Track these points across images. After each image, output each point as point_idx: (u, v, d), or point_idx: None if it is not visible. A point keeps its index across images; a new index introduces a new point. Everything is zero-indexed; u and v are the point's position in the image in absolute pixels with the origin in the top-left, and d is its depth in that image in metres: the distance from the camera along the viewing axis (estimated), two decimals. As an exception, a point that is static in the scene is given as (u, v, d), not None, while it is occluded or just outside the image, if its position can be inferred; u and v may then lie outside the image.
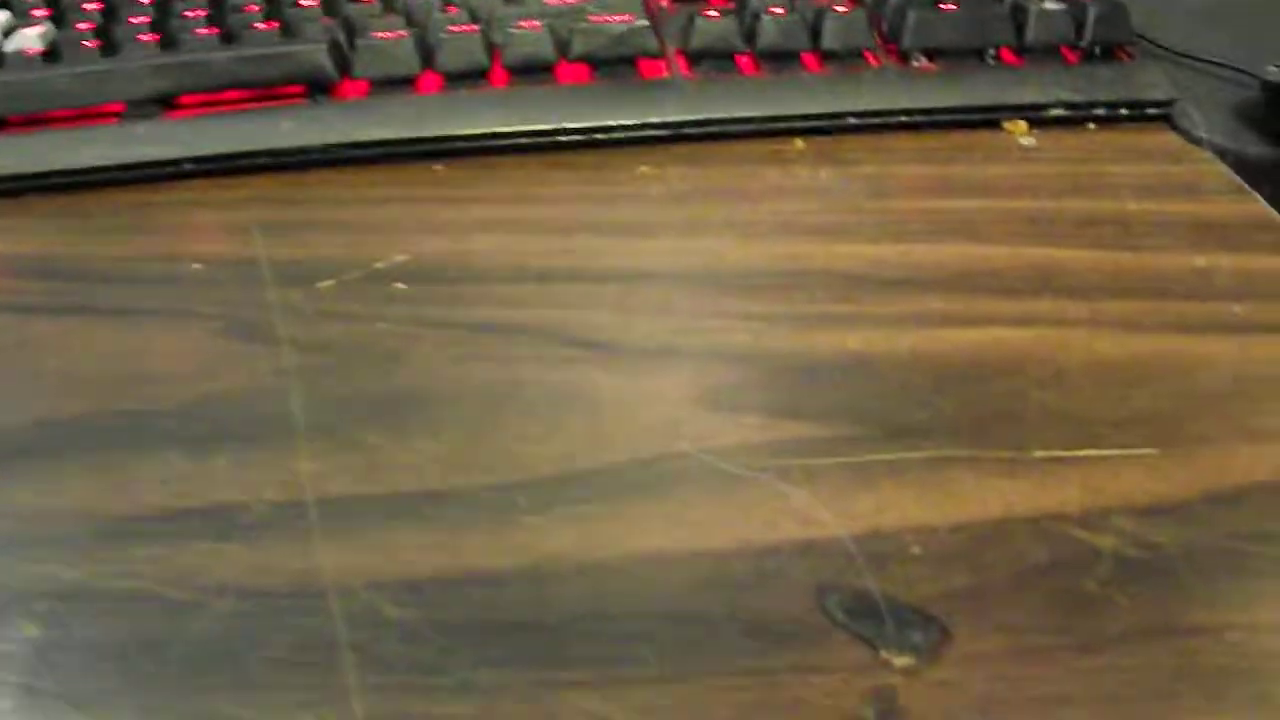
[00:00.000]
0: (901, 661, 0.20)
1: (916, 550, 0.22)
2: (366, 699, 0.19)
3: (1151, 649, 0.20)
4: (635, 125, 0.36)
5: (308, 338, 0.28)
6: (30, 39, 0.40)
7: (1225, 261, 0.31)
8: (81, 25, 0.39)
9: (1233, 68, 0.41)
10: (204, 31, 0.38)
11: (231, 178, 0.35)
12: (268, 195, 0.35)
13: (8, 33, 0.40)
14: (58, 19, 0.40)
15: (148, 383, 0.27)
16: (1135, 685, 0.19)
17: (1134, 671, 0.20)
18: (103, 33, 0.39)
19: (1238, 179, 0.36)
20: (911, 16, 0.38)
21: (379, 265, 0.31)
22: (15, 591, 0.21)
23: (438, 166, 0.35)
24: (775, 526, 0.22)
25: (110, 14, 0.40)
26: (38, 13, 0.41)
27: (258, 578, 0.21)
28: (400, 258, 0.31)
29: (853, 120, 0.37)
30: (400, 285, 0.30)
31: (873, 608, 0.20)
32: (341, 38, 0.38)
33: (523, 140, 0.36)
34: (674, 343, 0.27)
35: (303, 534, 0.22)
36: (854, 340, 0.27)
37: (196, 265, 0.31)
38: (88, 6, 0.41)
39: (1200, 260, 0.31)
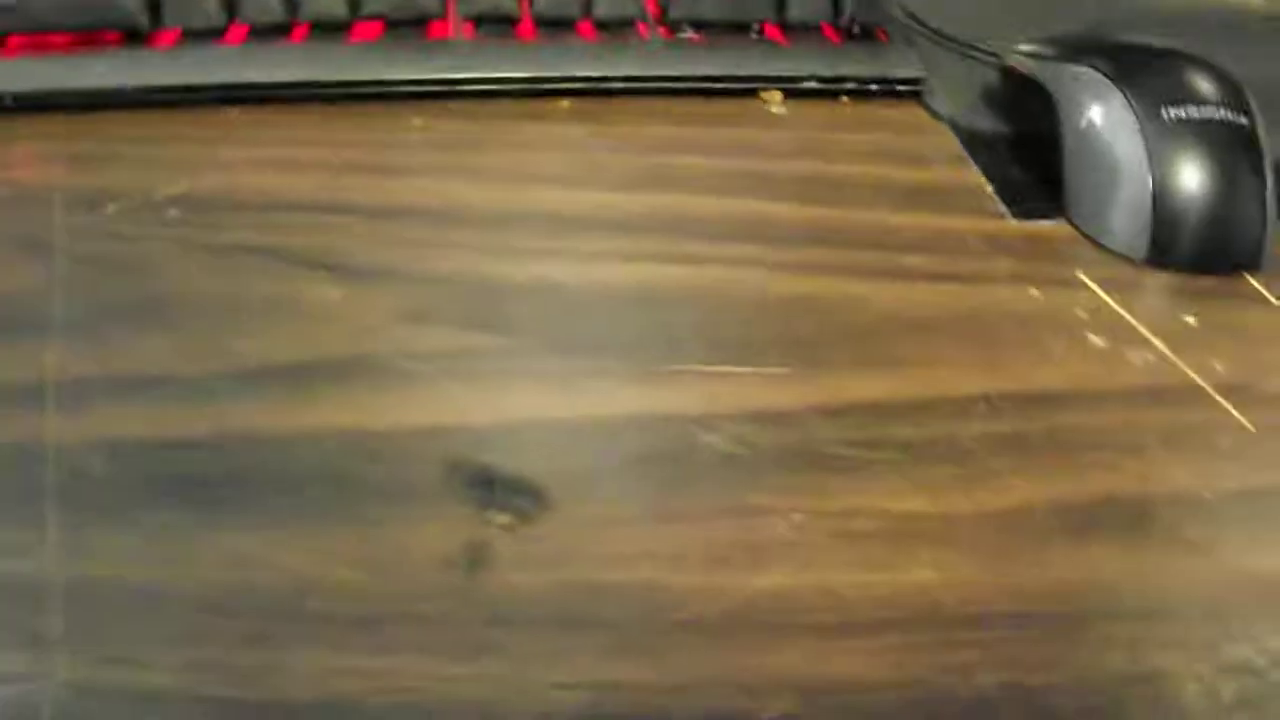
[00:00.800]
0: (502, 519, 0.24)
1: (539, 437, 0.26)
2: (62, 531, 0.24)
3: (720, 521, 0.25)
4: (414, 80, 0.40)
5: (80, 252, 0.32)
6: None
7: (918, 220, 0.36)
8: None
9: (985, 51, 0.46)
10: None
11: (45, 114, 0.39)
12: (75, 131, 0.39)
13: None
14: None
15: None
16: (700, 548, 0.24)
17: (701, 538, 0.24)
18: None
19: (962, 151, 0.40)
20: None
21: (159, 194, 0.35)
22: None
23: (233, 111, 0.40)
24: (429, 414, 0.27)
25: None
26: None
27: None
28: (179, 189, 0.35)
29: (617, 84, 0.41)
30: (173, 212, 0.34)
31: (488, 480, 0.25)
32: None
33: (310, 90, 0.40)
34: (394, 267, 0.32)
35: (38, 407, 0.27)
36: (554, 271, 0.32)
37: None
38: None
39: (895, 218, 0.36)
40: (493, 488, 0.25)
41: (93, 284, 0.31)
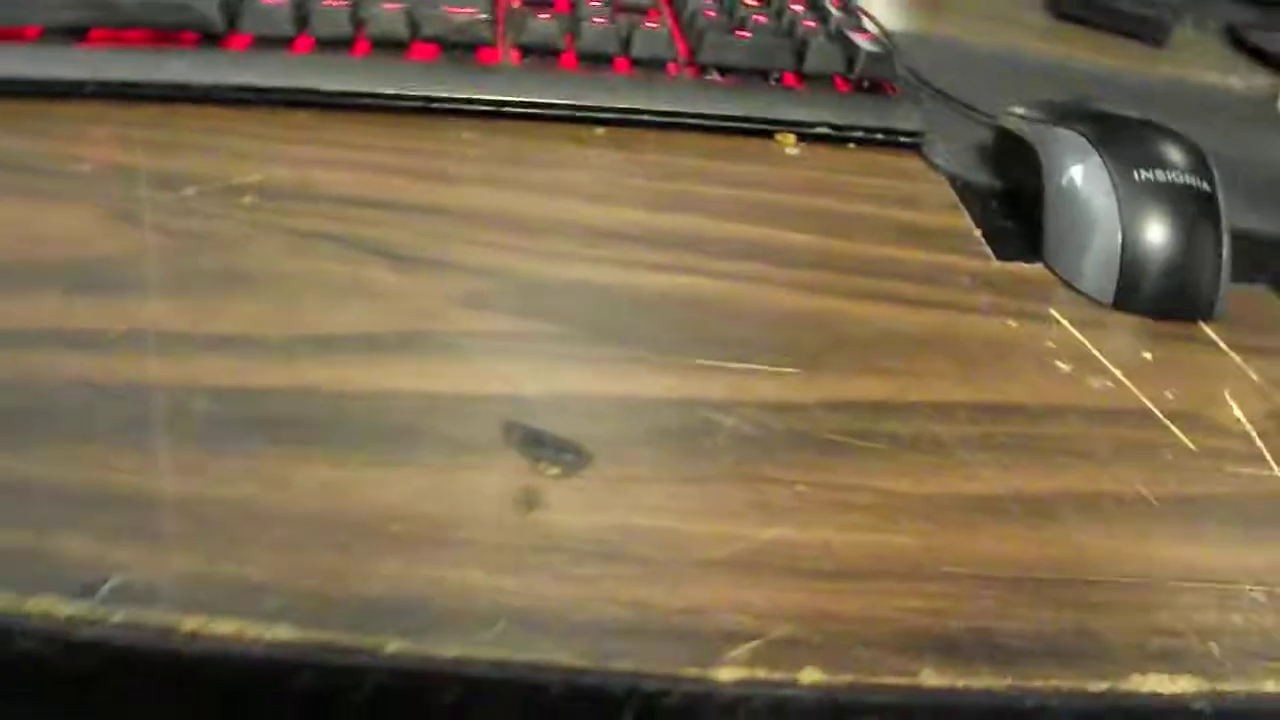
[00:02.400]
0: (551, 472, 0.30)
1: (583, 409, 0.32)
2: (171, 454, 0.29)
3: (735, 486, 0.30)
4: (464, 99, 0.46)
5: (169, 226, 0.38)
6: None
7: (913, 255, 0.42)
8: None
9: (981, 111, 0.52)
10: None
11: (126, 102, 0.45)
12: (154, 121, 0.44)
13: None
14: None
15: (39, 243, 0.36)
16: (716, 504, 0.29)
17: (717, 497, 0.30)
18: None
19: (955, 199, 0.46)
20: (709, 37, 0.48)
21: (235, 181, 0.40)
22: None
23: (300, 114, 0.45)
24: (485, 383, 0.32)
25: None
26: None
27: (105, 378, 0.31)
28: (254, 178, 0.41)
29: (647, 117, 0.47)
30: (249, 198, 0.40)
31: (540, 440, 0.30)
32: None
33: (369, 100, 0.46)
34: (449, 259, 0.37)
35: (140, 354, 0.32)
36: (591, 274, 0.37)
37: (86, 166, 0.41)
38: None
39: (893, 252, 0.42)
40: (543, 444, 0.30)
41: (181, 254, 0.36)
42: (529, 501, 0.28)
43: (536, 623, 0.25)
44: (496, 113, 0.45)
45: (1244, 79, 0.69)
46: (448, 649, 0.24)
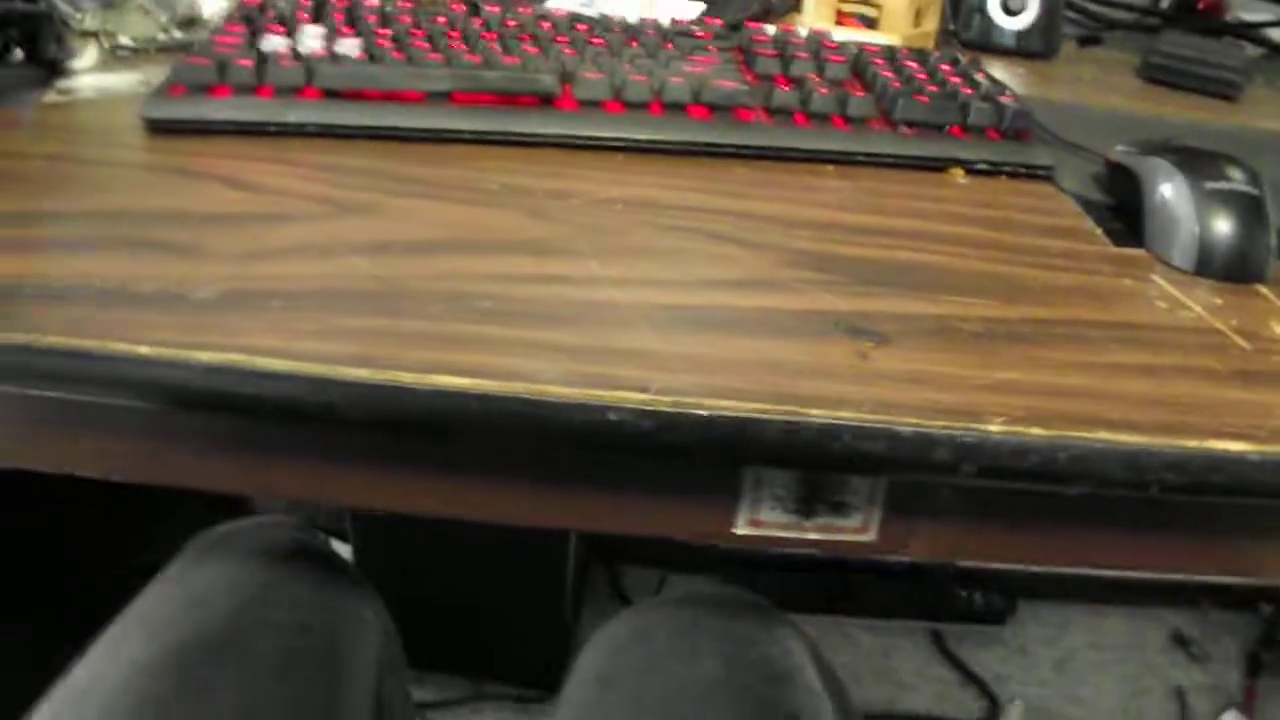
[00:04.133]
0: (868, 344, 0.54)
1: (877, 317, 0.57)
2: (671, 339, 0.54)
3: (975, 355, 0.55)
4: (739, 144, 0.70)
5: (573, 220, 0.62)
6: (351, 47, 0.75)
7: (1054, 244, 0.66)
8: (383, 42, 0.73)
9: (1092, 151, 0.77)
10: (470, 57, 0.72)
11: (491, 146, 0.70)
12: (520, 158, 0.67)
13: (330, 40, 0.75)
14: (360, 36, 0.74)
15: (490, 231, 0.61)
16: (970, 362, 0.53)
17: (968, 359, 0.54)
18: (402, 48, 0.72)
19: (1080, 209, 0.71)
20: (899, 102, 0.74)
21: (602, 196, 0.66)
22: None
23: (617, 155, 0.70)
24: (817, 304, 0.57)
25: (400, 36, 0.73)
26: (346, 30, 0.76)
27: (586, 297, 0.56)
28: (615, 193, 0.66)
29: (861, 158, 0.72)
30: (619, 206, 0.65)
31: (858, 330, 0.55)
32: (565, 71, 0.72)
33: (665, 144, 0.70)
34: (770, 242, 0.62)
35: (601, 285, 0.57)
36: (859, 251, 0.61)
37: (494, 186, 0.66)
38: (381, 31, 0.75)
39: (1042, 241, 0.66)
40: (860, 332, 0.55)
41: (589, 235, 0.59)
42: (862, 355, 0.52)
43: (888, 404, 0.49)
44: (756, 155, 0.70)
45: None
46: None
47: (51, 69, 0.82)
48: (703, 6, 0.96)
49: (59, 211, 0.60)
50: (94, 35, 0.90)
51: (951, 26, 1.01)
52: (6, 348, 0.47)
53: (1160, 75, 0.97)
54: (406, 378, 0.46)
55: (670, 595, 0.76)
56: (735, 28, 0.84)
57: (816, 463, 0.46)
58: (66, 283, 0.52)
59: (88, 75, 0.82)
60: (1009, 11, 0.98)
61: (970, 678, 1.70)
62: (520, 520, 0.52)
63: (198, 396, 0.47)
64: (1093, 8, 1.15)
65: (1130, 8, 1.16)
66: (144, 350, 0.47)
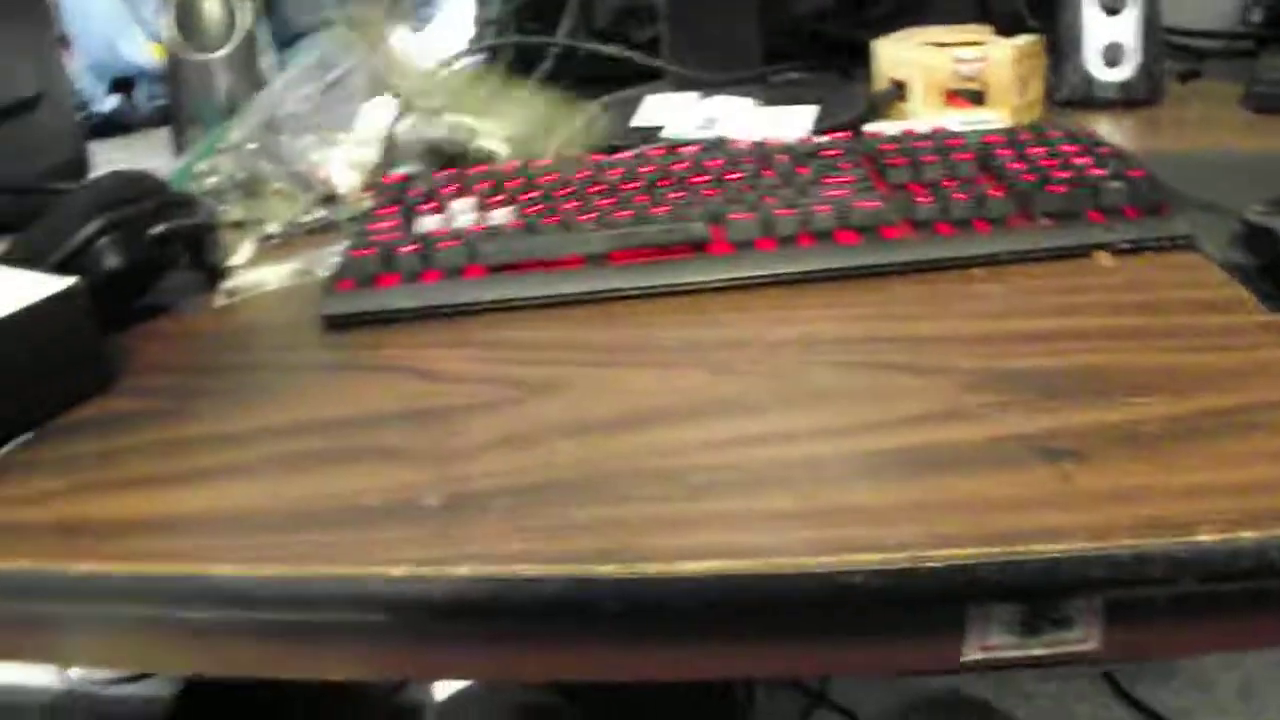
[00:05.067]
0: (1066, 466, 0.58)
1: (1065, 432, 0.60)
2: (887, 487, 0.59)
3: (1174, 455, 0.59)
4: (874, 264, 0.75)
5: (742, 371, 0.67)
6: (503, 216, 0.80)
7: (1215, 319, 0.69)
8: (532, 209, 0.78)
9: (1224, 208, 0.80)
10: (621, 214, 0.77)
11: (655, 299, 0.74)
12: (683, 308, 0.71)
13: (482, 212, 0.80)
14: (509, 204, 0.79)
15: (664, 395, 0.66)
16: (1164, 469, 0.57)
17: (1166, 464, 0.58)
18: (552, 211, 0.76)
19: (1224, 275, 0.74)
20: (1036, 197, 0.77)
21: (773, 339, 0.70)
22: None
23: (772, 291, 0.75)
24: (1006, 429, 0.61)
25: (549, 202, 0.78)
26: (493, 200, 0.81)
27: (795, 452, 0.61)
28: (783, 334, 0.70)
29: (1006, 256, 0.76)
30: (792, 347, 0.69)
31: (1054, 452, 0.59)
32: (712, 214, 0.77)
33: (818, 273, 0.75)
34: (945, 365, 0.66)
35: (798, 441, 0.62)
36: (1039, 361, 0.66)
37: (669, 341, 0.71)
38: (526, 196, 0.79)
39: (1200, 319, 0.69)
40: (1054, 453, 0.58)
41: (773, 387, 0.63)
42: (1064, 478, 0.56)
43: (1099, 529, 0.53)
44: (907, 270, 0.74)
45: None
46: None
47: (213, 271, 0.88)
48: (814, 110, 1.00)
49: (266, 427, 0.65)
50: (242, 226, 0.96)
51: (1056, 93, 1.04)
52: (269, 580, 0.53)
53: (1267, 103, 0.99)
54: (653, 569, 0.50)
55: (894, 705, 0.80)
56: (853, 131, 0.88)
57: (1040, 593, 0.50)
58: (298, 504, 0.57)
59: (248, 272, 0.88)
60: (1110, 64, 1.01)
61: (1154, 717, 1.71)
62: (742, 674, 0.57)
63: (458, 609, 0.51)
64: (1185, 41, 1.17)
65: (1218, 34, 1.18)
66: (397, 572, 0.51)
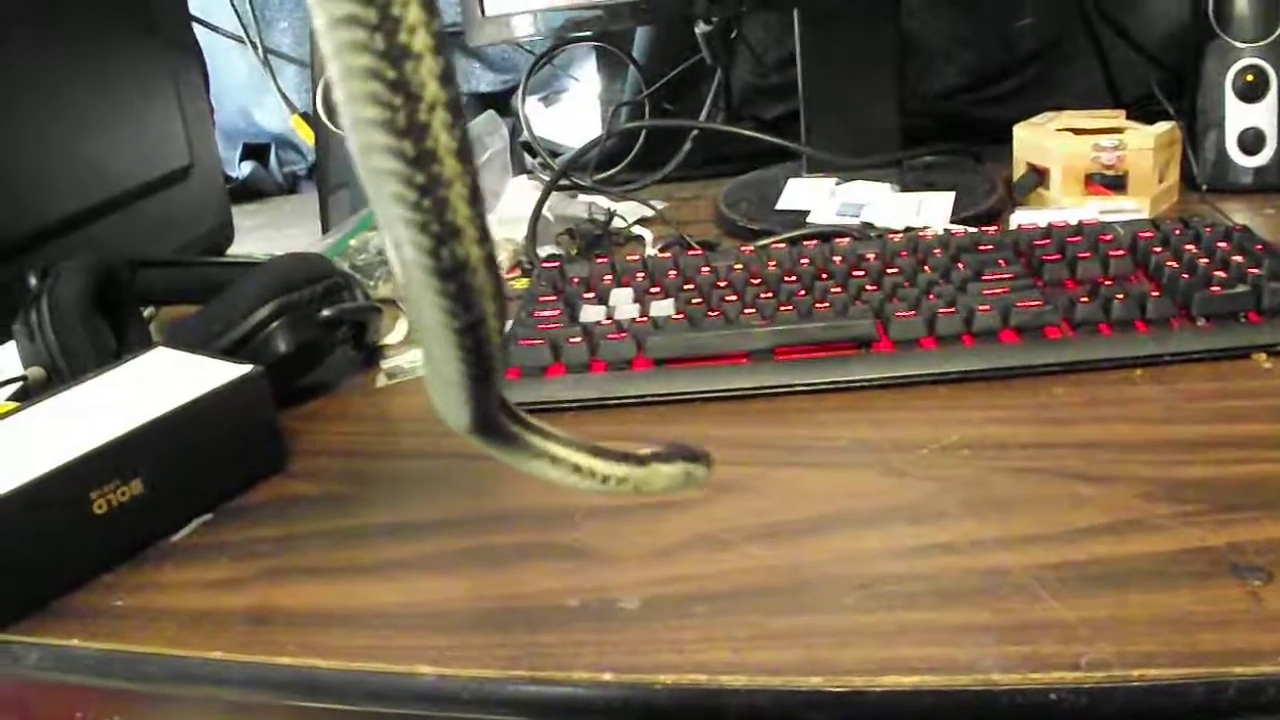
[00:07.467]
0: (1257, 582, 0.60)
1: (1265, 560, 0.62)
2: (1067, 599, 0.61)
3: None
4: (1037, 365, 0.76)
5: (918, 474, 0.68)
6: (665, 308, 0.82)
7: None
8: (696, 301, 0.81)
9: None
10: (784, 309, 0.80)
11: (819, 395, 0.77)
12: (847, 405, 0.74)
13: (643, 303, 0.82)
14: (668, 295, 0.82)
15: (846, 498, 0.68)
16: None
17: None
18: (715, 308, 0.79)
19: None
20: (1195, 297, 0.79)
21: (945, 442, 0.73)
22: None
23: (940, 389, 0.77)
24: (1190, 541, 0.63)
25: (708, 294, 0.82)
26: (653, 290, 0.84)
27: (983, 565, 0.63)
28: (955, 438, 0.73)
29: (1167, 357, 0.78)
30: (965, 451, 0.71)
31: (1242, 568, 0.61)
32: (876, 311, 0.79)
33: (981, 373, 0.77)
34: (1119, 474, 0.69)
35: (989, 551, 0.64)
36: (1208, 471, 0.67)
37: (843, 441, 0.73)
38: (687, 286, 0.82)
39: None
40: (1242, 570, 0.60)
41: (951, 492, 0.66)
42: (1254, 596, 0.58)
43: None
44: (1067, 370, 0.76)
45: None
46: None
47: (372, 351, 0.91)
48: (950, 196, 1.03)
49: (447, 519, 0.69)
50: (392, 304, 0.99)
51: (1193, 178, 1.06)
52: (472, 683, 0.55)
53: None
54: (858, 682, 0.52)
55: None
56: (991, 217, 0.94)
57: (1242, 713, 0.52)
58: (506, 603, 0.60)
59: (404, 351, 0.91)
60: (1248, 151, 1.03)
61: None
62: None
63: (662, 716, 0.54)
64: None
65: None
66: (607, 677, 0.54)
